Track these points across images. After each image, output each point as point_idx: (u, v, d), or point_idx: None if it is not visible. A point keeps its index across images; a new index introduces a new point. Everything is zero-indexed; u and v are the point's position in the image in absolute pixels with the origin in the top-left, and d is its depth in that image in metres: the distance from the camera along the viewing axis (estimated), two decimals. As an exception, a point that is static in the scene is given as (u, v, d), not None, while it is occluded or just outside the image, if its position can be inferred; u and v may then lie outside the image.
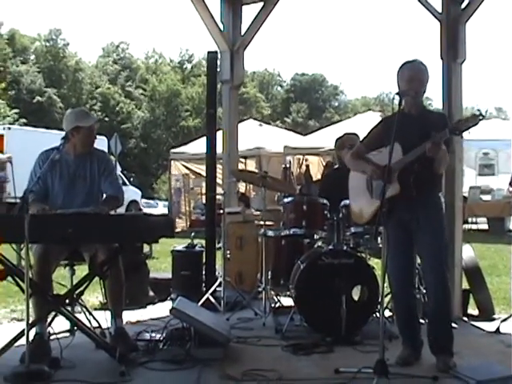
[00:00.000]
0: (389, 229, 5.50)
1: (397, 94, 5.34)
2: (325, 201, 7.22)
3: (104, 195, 6.31)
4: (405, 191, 5.49)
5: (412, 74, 5.57)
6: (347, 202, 6.94)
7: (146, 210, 28.86)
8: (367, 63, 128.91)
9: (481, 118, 5.11)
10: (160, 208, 40.35)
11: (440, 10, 8.04)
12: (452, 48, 7.88)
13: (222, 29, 9.69)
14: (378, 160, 5.64)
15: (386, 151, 5.32)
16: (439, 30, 8.05)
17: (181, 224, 23.06)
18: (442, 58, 7.96)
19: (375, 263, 7.22)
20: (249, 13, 9.93)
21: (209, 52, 8.69)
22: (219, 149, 9.02)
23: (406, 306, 5.86)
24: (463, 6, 7.95)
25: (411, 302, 5.89)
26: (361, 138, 7.62)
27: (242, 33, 9.81)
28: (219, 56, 9.22)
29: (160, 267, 11.83)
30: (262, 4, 9.68)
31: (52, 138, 7.24)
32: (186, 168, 23.60)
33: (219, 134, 9.01)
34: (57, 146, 5.98)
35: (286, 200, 7.53)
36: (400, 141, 5.31)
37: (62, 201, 6.09)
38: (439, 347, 5.62)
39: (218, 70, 9.20)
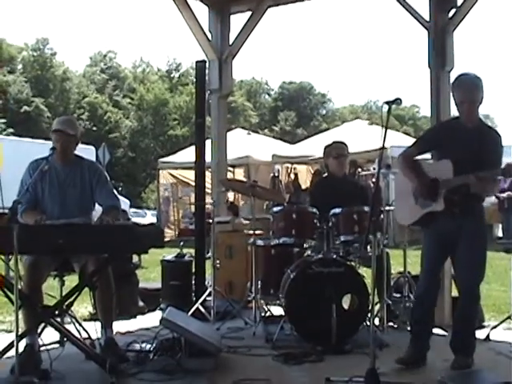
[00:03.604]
0: (426, 235, 5.93)
1: (385, 102, 5.34)
2: (314, 209, 7.22)
3: (99, 205, 6.30)
4: (449, 208, 5.66)
5: (463, 97, 5.69)
6: (337, 210, 6.97)
7: (134, 220, 28.85)
8: (355, 71, 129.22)
9: None
10: (148, 217, 40.17)
11: (428, 19, 8.08)
12: (440, 56, 7.91)
13: (210, 38, 9.71)
14: (430, 171, 5.81)
15: (438, 165, 5.73)
16: (427, 39, 8.09)
17: (169, 233, 23.00)
18: (429, 67, 7.99)
19: (365, 271, 7.22)
20: (237, 22, 9.97)
21: (197, 61, 8.69)
22: (208, 158, 9.02)
23: (429, 307, 6.04)
24: (450, 14, 8.00)
25: (433, 304, 6.06)
26: (349, 146, 7.72)
27: (230, 42, 9.83)
28: (207, 65, 9.22)
29: (149, 277, 11.81)
30: (249, 13, 9.70)
31: (40, 148, 7.21)
32: (175, 177, 23.57)
33: (208, 144, 8.99)
34: (46, 155, 5.99)
35: (275, 209, 7.49)
36: (452, 154, 5.59)
37: (53, 210, 6.09)
38: (460, 347, 5.83)
39: (207, 79, 9.19)
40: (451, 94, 5.81)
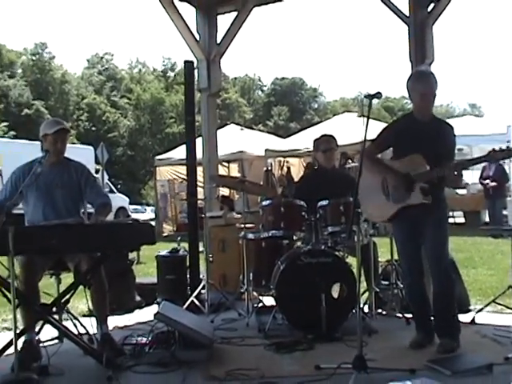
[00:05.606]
0: (397, 228, 6.13)
1: (365, 96, 5.49)
2: (302, 202, 7.36)
3: (93, 205, 6.42)
4: (425, 200, 5.84)
5: (426, 89, 5.86)
6: (324, 202, 7.12)
7: (134, 216, 29.10)
8: (345, 65, 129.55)
9: None
10: (148, 213, 40.45)
11: (407, 14, 8.24)
12: (420, 50, 8.07)
13: (197, 38, 9.87)
14: (399, 167, 5.96)
15: (406, 160, 5.84)
16: (407, 33, 8.25)
17: (168, 228, 23.17)
18: (410, 61, 8.14)
19: (353, 261, 7.36)
20: (224, 22, 10.13)
21: (185, 61, 8.81)
22: (200, 155, 9.16)
23: (420, 293, 6.20)
24: (429, 9, 8.15)
25: (423, 290, 6.22)
26: (338, 138, 7.83)
27: (218, 41, 9.99)
28: (196, 65, 9.37)
29: (148, 272, 11.94)
30: (236, 13, 9.85)
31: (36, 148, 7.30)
32: (171, 173, 23.69)
33: (199, 141, 9.14)
34: (38, 158, 6.16)
35: (264, 203, 7.60)
36: (418, 148, 5.76)
37: (43, 211, 6.22)
38: (443, 330, 5.99)
39: (196, 78, 9.34)
40: (409, 88, 5.97)
